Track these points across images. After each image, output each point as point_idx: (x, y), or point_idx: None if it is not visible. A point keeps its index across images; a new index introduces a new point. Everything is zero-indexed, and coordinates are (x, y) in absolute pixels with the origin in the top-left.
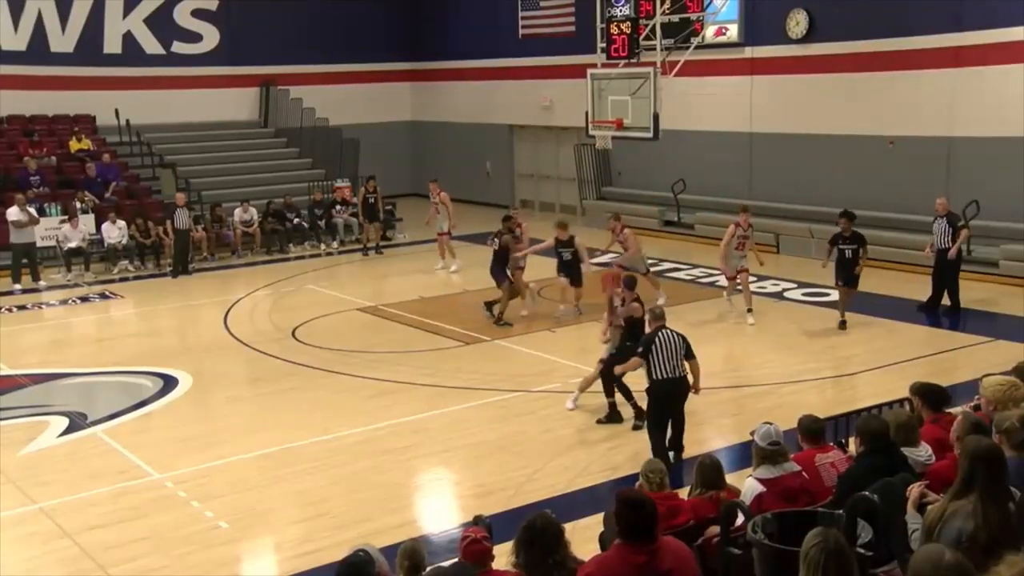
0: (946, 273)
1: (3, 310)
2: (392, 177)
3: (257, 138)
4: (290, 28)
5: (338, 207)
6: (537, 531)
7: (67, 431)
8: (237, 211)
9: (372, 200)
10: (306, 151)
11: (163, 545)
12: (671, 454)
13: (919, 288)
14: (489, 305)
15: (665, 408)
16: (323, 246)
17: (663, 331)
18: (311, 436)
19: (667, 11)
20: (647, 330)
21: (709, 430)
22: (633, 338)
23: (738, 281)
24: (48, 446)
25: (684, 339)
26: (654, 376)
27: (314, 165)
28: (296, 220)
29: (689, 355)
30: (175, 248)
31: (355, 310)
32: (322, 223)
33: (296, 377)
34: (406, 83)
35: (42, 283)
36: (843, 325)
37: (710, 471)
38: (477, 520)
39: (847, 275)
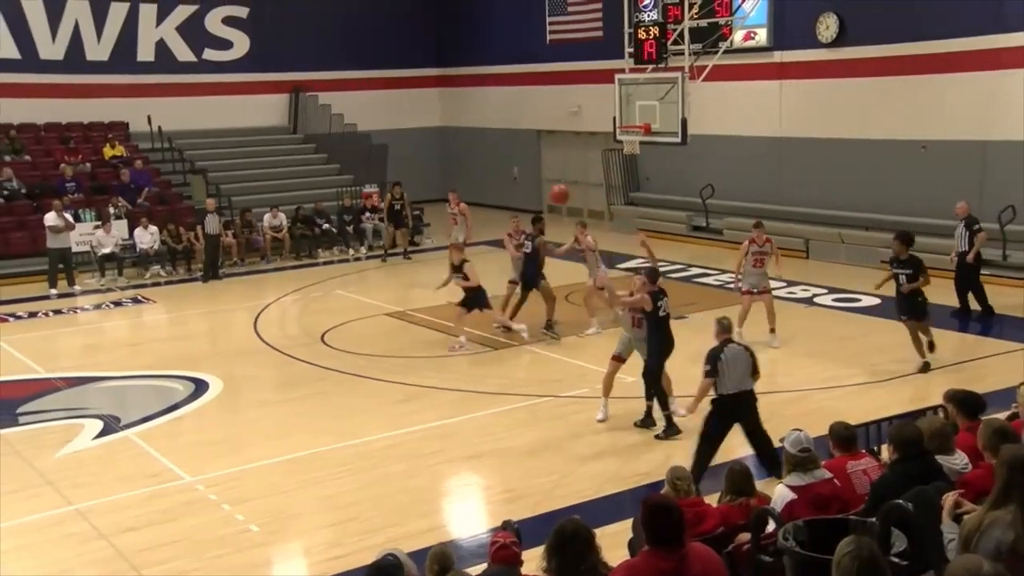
0: (966, 277)
1: (39, 314)
2: (420, 182)
3: (286, 144)
4: (319, 35)
5: (367, 213)
6: (568, 536)
7: (101, 434)
8: (267, 216)
9: (399, 206)
10: (335, 157)
11: (195, 548)
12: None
13: (952, 294)
14: (550, 324)
15: (723, 426)
16: (352, 251)
17: (730, 345)
18: (340, 440)
19: (695, 16)
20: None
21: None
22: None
23: (755, 296)
24: (83, 448)
25: (752, 354)
26: (719, 391)
27: (343, 171)
28: (325, 225)
29: (755, 371)
30: (206, 253)
31: (383, 315)
32: (351, 228)
33: (325, 382)
34: (434, 89)
35: (77, 288)
36: (926, 368)
37: (740, 478)
38: (506, 525)
39: (905, 306)
